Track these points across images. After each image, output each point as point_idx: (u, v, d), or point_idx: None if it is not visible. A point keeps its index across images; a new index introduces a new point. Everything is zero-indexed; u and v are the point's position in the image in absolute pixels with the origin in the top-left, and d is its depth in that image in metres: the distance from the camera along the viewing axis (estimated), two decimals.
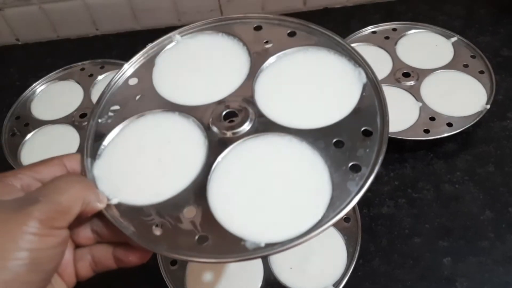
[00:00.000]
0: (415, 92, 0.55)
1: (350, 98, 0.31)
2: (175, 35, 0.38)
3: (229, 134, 0.31)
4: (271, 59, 0.35)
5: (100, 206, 0.27)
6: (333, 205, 0.27)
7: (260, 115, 0.32)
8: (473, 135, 0.54)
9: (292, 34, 0.36)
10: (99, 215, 0.28)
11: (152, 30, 0.74)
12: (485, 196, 0.49)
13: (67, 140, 0.56)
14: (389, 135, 0.50)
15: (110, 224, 0.27)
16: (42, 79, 0.64)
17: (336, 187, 0.27)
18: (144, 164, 0.31)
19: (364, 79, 0.32)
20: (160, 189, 0.29)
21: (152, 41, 0.38)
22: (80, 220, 0.27)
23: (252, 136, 0.31)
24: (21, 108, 0.61)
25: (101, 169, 0.30)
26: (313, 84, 0.33)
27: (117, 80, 0.36)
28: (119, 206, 0.29)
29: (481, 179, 0.51)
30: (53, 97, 0.63)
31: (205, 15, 0.71)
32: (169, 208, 0.28)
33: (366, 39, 0.63)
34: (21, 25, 0.73)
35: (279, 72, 0.34)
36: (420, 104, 0.54)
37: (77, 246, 0.28)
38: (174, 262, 0.44)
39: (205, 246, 0.26)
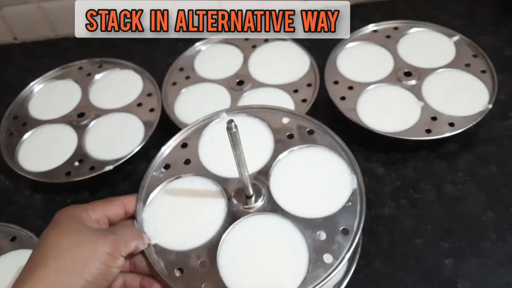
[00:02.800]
0: (416, 92, 0.55)
1: (340, 199, 0.38)
2: (222, 113, 0.44)
3: (244, 207, 0.38)
4: (290, 149, 0.42)
5: (144, 247, 0.37)
6: (304, 285, 0.34)
7: (270, 197, 0.39)
8: (475, 135, 0.54)
9: (311, 132, 0.42)
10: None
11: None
12: (487, 197, 0.49)
13: (64, 140, 0.56)
14: (391, 135, 0.50)
15: (146, 259, 0.36)
16: (39, 78, 0.64)
17: (310, 270, 0.34)
18: (179, 217, 0.39)
19: (355, 185, 0.38)
20: (186, 240, 0.37)
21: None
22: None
23: (260, 213, 0.38)
24: (18, 107, 0.61)
25: (148, 213, 0.39)
26: (315, 180, 0.40)
27: (172, 142, 0.44)
28: (155, 246, 0.37)
29: (483, 179, 0.50)
30: (50, 96, 0.62)
31: None
32: (189, 257, 0.36)
33: (367, 38, 0.62)
34: (19, 24, 0.73)
35: (291, 164, 0.41)
36: (422, 103, 0.54)
37: None
38: None
39: None
